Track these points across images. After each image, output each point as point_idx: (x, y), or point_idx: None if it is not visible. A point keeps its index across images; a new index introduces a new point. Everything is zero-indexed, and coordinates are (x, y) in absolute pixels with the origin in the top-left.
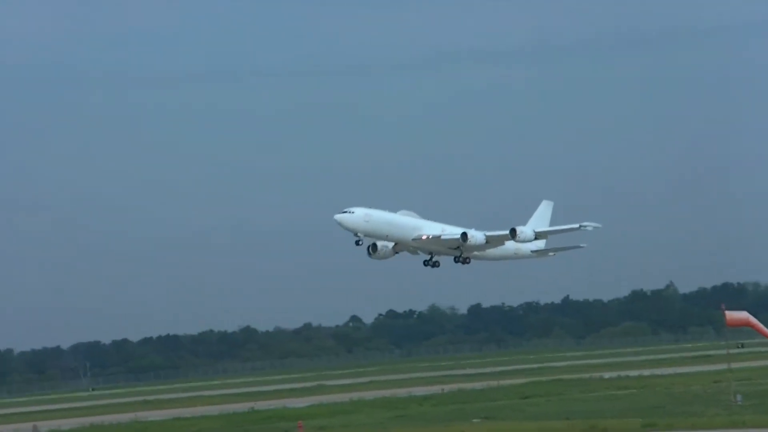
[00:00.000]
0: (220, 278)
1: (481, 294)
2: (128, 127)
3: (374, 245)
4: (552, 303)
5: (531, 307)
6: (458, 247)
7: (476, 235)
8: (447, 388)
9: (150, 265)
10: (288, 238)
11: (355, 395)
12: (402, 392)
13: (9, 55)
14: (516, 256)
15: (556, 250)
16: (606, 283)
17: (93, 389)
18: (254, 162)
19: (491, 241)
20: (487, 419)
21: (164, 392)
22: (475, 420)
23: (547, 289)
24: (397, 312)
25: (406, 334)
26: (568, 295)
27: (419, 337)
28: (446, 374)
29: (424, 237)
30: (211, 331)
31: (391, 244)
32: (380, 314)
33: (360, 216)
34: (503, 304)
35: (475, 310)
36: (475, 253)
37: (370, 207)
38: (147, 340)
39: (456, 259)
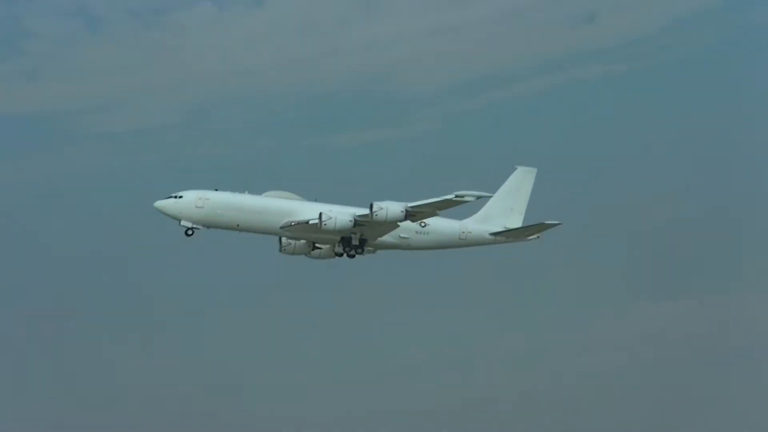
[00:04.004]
0: None
1: None
2: None
3: (279, 238)
4: None
5: None
6: (353, 233)
7: (337, 218)
8: None
9: None
10: None
11: None
12: None
13: None
14: (466, 243)
15: (530, 230)
16: None
17: None
18: None
19: (366, 223)
20: None
21: None
22: None
23: None
24: None
25: None
26: None
27: None
28: None
29: (293, 223)
30: None
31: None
32: None
33: (191, 201)
34: None
35: None
36: (388, 240)
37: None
38: None
39: (347, 248)
